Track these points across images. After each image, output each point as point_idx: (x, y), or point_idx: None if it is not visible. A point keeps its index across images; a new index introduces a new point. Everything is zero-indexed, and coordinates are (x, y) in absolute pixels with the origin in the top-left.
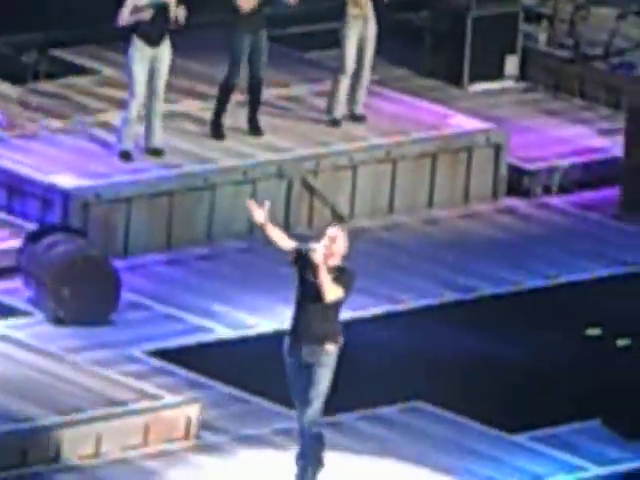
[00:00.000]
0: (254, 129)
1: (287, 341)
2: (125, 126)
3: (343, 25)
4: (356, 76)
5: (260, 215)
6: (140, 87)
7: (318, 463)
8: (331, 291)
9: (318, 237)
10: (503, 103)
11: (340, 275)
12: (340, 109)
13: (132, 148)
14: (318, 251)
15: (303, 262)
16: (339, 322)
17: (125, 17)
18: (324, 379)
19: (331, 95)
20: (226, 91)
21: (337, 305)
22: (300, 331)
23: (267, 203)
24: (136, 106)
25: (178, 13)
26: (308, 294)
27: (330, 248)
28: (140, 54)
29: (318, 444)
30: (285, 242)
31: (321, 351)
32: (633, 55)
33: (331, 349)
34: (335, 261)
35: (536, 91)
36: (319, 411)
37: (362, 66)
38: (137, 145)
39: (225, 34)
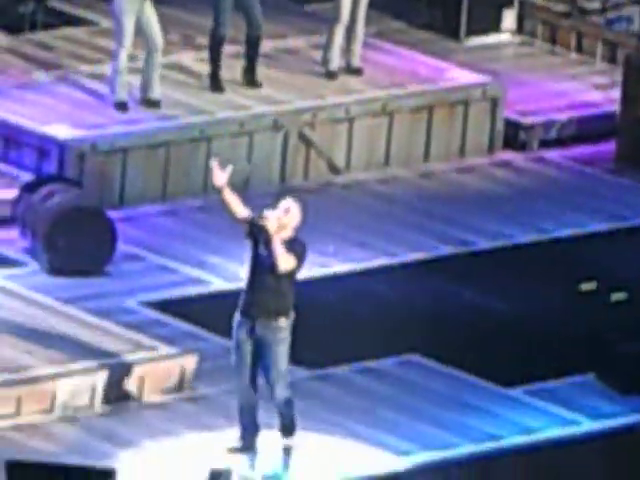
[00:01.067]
0: (251, 81)
1: (238, 316)
2: (116, 76)
3: None
4: (351, 28)
5: (221, 178)
6: (128, 37)
7: (293, 426)
8: (284, 261)
9: (272, 206)
10: (500, 57)
11: (292, 246)
12: (335, 61)
13: (127, 99)
14: (271, 219)
15: (256, 233)
16: (292, 296)
17: None
18: (282, 357)
19: (326, 46)
20: (216, 44)
21: (290, 277)
22: (253, 306)
23: (229, 167)
24: (124, 56)
25: None
26: (261, 267)
27: (282, 220)
28: (129, 5)
29: (289, 409)
30: (240, 209)
31: (275, 327)
32: (630, 9)
33: (285, 323)
34: (287, 233)
35: (533, 45)
36: (286, 386)
37: (356, 18)
38: (133, 96)
39: None
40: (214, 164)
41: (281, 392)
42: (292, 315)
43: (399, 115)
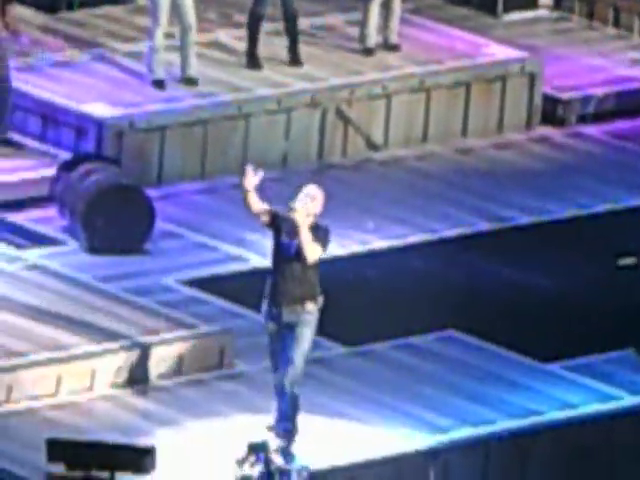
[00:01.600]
0: (294, 60)
1: (265, 306)
2: (152, 55)
3: None
4: (388, 5)
5: (252, 182)
6: (164, 15)
7: (294, 427)
8: (312, 251)
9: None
10: (537, 32)
11: (317, 233)
12: (373, 37)
13: (164, 76)
14: (299, 211)
15: (278, 224)
16: (318, 281)
17: None
18: (306, 339)
19: (363, 23)
20: (254, 22)
21: (316, 265)
22: (279, 294)
23: (261, 173)
24: (160, 34)
25: None
26: (285, 256)
27: (309, 208)
28: None
29: (294, 407)
30: (259, 203)
31: (302, 310)
32: None
33: (312, 308)
34: (310, 220)
35: (570, 20)
36: (300, 371)
37: None
38: (171, 74)
39: None
40: (249, 169)
41: (293, 373)
42: (320, 300)
43: (437, 91)
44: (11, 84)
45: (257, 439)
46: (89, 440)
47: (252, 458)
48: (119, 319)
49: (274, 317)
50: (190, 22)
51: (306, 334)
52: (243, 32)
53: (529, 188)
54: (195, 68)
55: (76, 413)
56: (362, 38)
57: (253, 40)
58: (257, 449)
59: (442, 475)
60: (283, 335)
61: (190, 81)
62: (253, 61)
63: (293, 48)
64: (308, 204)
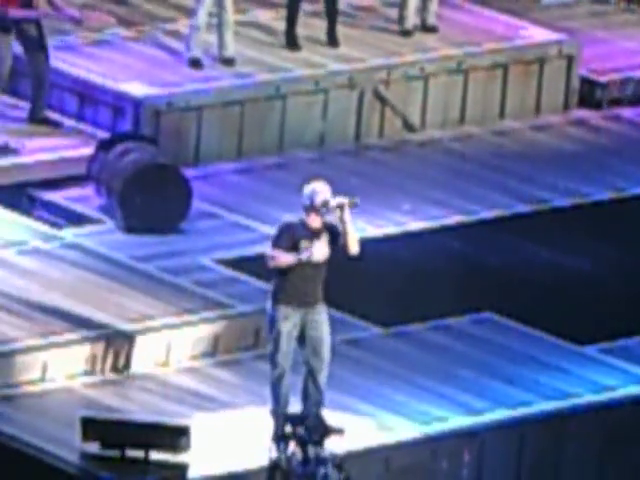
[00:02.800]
0: (332, 41)
1: (284, 309)
2: (193, 33)
3: None
4: None
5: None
6: None
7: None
8: (357, 241)
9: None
10: (576, 14)
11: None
12: (411, 19)
13: (201, 56)
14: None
15: (297, 233)
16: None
17: None
18: (328, 334)
19: (401, 5)
20: (294, 2)
21: (326, 264)
22: (297, 296)
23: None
24: (203, 13)
25: None
26: (304, 266)
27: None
28: None
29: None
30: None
31: (322, 310)
32: None
33: (325, 307)
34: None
35: (608, 3)
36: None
37: None
38: (209, 54)
39: None
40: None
41: (327, 370)
42: None
43: (474, 73)
44: (50, 63)
45: (294, 413)
46: (124, 419)
47: (288, 431)
48: (155, 298)
49: (293, 318)
50: (228, 1)
51: (328, 330)
52: (279, 12)
53: (566, 170)
54: (232, 48)
55: (112, 392)
56: (401, 20)
57: (292, 21)
58: (294, 420)
59: (477, 457)
60: (295, 337)
61: (227, 61)
62: (292, 41)
63: (331, 29)
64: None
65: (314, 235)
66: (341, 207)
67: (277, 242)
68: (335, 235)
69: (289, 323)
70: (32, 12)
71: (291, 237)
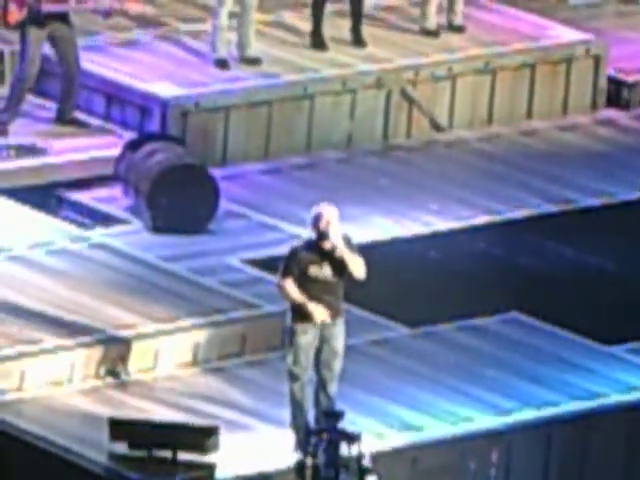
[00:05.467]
0: (357, 40)
1: (303, 324)
2: (216, 34)
3: None
4: None
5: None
6: None
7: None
8: (361, 268)
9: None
10: (603, 14)
11: (351, 246)
12: (432, 18)
13: (227, 56)
14: (338, 242)
15: (305, 258)
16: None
17: None
18: (342, 349)
19: (422, 4)
20: (319, 2)
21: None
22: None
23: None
24: (225, 13)
25: None
26: (317, 284)
27: (338, 233)
28: None
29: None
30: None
31: (339, 323)
32: None
33: (343, 319)
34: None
35: (636, 3)
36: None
37: None
38: (234, 54)
39: None
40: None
41: (335, 388)
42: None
43: (502, 73)
44: (80, 64)
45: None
46: (151, 419)
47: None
48: (182, 299)
49: (312, 333)
50: (251, 1)
51: (343, 344)
52: (307, 12)
53: (594, 170)
54: (254, 47)
55: (139, 393)
56: (422, 18)
57: (318, 20)
58: (330, 416)
59: (505, 457)
60: (314, 349)
61: (253, 61)
62: (318, 41)
63: (356, 29)
64: (337, 230)
65: (321, 258)
66: (333, 247)
67: (286, 271)
68: (342, 263)
69: (309, 336)
70: (65, 5)
71: (298, 264)
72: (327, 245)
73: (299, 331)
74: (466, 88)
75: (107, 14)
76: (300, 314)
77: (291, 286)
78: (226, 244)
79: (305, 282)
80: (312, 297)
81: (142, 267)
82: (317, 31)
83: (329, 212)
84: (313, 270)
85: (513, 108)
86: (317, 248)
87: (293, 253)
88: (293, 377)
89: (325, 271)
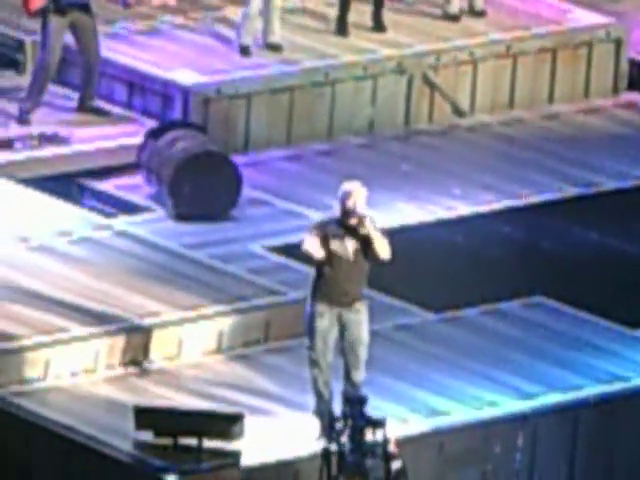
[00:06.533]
0: (378, 26)
1: (320, 306)
2: (245, 21)
3: None
4: None
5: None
6: None
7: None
8: (387, 248)
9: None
10: None
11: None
12: (456, 3)
13: (250, 43)
14: (367, 219)
15: (329, 231)
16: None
17: None
18: (367, 334)
19: None
20: None
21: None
22: (338, 295)
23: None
24: (257, 1)
25: None
26: (338, 259)
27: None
28: None
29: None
30: (320, 251)
31: (361, 308)
32: None
33: (365, 306)
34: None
35: None
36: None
37: None
38: (256, 41)
39: None
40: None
41: (364, 370)
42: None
43: (523, 57)
44: (100, 52)
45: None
46: (177, 407)
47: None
48: (206, 286)
49: (332, 316)
50: None
51: (367, 329)
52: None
53: (616, 153)
54: (278, 34)
55: (164, 381)
56: (444, 3)
57: (345, 6)
58: (354, 402)
59: (530, 441)
60: (341, 333)
61: (274, 47)
62: (342, 27)
63: (377, 14)
64: (364, 206)
65: (344, 234)
66: (360, 221)
67: (311, 232)
68: (365, 242)
69: (325, 321)
70: None
71: (322, 232)
72: (353, 221)
73: (316, 314)
74: (487, 73)
75: (127, 4)
76: (317, 296)
77: (312, 239)
78: (249, 231)
79: (325, 257)
80: (334, 276)
81: (165, 255)
82: (343, 17)
83: (358, 190)
84: (335, 244)
85: (534, 92)
86: (342, 225)
87: (319, 223)
88: (312, 363)
89: (347, 247)
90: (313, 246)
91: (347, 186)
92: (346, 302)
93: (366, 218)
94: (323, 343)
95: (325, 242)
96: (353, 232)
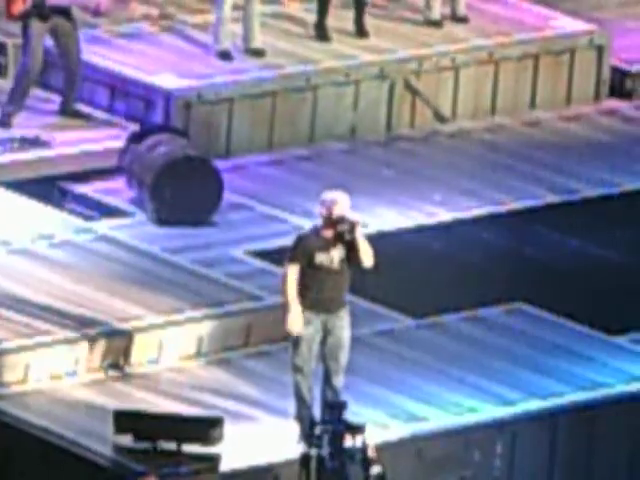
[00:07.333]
0: (360, 31)
1: (305, 314)
2: (219, 26)
3: None
4: None
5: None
6: None
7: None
8: (371, 256)
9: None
10: (606, 4)
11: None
12: (437, 8)
13: (231, 48)
14: (357, 224)
15: (309, 251)
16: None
17: None
18: (348, 339)
19: None
20: None
21: (348, 271)
22: (321, 303)
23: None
24: (228, 4)
25: None
26: (321, 272)
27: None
28: None
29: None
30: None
31: (344, 315)
32: None
33: (347, 311)
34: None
35: None
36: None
37: None
38: (238, 46)
39: None
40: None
41: (342, 381)
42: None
43: (505, 63)
44: (81, 56)
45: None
46: (156, 412)
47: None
48: (186, 291)
49: (316, 324)
50: None
51: (348, 336)
52: (308, 4)
53: (597, 161)
54: (259, 39)
55: (144, 385)
56: (426, 8)
57: (323, 12)
58: (334, 408)
59: (510, 448)
60: (316, 342)
61: (257, 52)
62: (322, 33)
63: (359, 20)
64: (347, 212)
65: (329, 244)
66: (352, 227)
67: (292, 258)
68: (349, 248)
69: (311, 328)
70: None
71: (304, 250)
72: (343, 228)
73: (303, 322)
74: (469, 79)
75: (97, 12)
76: (303, 305)
77: (292, 276)
78: (230, 236)
79: (310, 270)
80: (318, 285)
81: (146, 259)
82: (322, 22)
83: (343, 198)
84: (319, 257)
85: (516, 99)
86: (324, 235)
87: (300, 240)
88: (296, 369)
89: (331, 257)
90: (291, 286)
91: (331, 194)
92: (332, 309)
93: (358, 224)
94: (308, 349)
95: (310, 258)
96: (338, 239)
